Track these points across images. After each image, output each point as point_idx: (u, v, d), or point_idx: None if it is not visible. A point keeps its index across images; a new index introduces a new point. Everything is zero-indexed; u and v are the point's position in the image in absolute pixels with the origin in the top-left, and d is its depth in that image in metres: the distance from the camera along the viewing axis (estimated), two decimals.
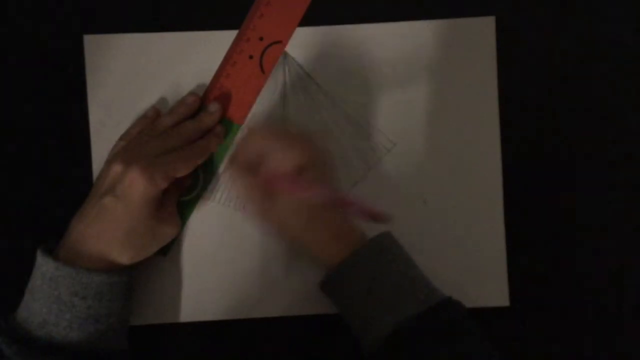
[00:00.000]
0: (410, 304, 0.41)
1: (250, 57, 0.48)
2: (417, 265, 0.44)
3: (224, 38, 0.48)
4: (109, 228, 0.41)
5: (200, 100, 0.47)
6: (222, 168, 0.48)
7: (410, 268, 0.43)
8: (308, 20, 0.48)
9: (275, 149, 0.42)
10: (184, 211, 0.47)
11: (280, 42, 0.48)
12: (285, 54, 0.48)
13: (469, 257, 0.48)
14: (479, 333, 0.41)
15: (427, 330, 0.40)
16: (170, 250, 0.47)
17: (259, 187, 0.42)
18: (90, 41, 0.48)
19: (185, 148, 0.44)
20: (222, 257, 0.48)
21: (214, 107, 0.47)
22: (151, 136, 0.45)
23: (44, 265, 0.41)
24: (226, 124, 0.48)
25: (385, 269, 0.42)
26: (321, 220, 0.43)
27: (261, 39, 0.48)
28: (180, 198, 0.47)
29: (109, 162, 0.44)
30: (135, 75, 0.48)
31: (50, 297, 0.40)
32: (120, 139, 0.47)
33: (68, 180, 0.48)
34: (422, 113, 0.48)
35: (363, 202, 0.38)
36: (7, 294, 0.42)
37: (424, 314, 0.40)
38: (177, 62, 0.48)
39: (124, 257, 0.42)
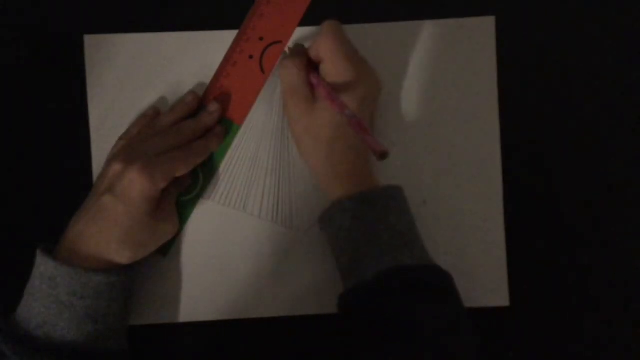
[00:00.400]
0: (408, 255, 0.41)
1: (251, 57, 0.48)
2: (419, 230, 0.44)
3: (224, 38, 0.48)
4: (107, 227, 0.41)
5: (199, 99, 0.47)
6: (222, 168, 0.48)
7: (413, 226, 0.43)
8: (308, 20, 0.48)
9: (336, 58, 0.42)
10: (183, 211, 0.47)
11: (281, 42, 0.48)
12: (286, 54, 0.48)
13: (469, 257, 0.48)
14: (464, 310, 0.41)
15: (415, 282, 0.40)
16: (169, 250, 0.47)
17: (306, 86, 0.43)
18: (90, 41, 0.48)
19: (185, 147, 0.44)
20: (221, 257, 0.48)
21: (213, 107, 0.47)
22: (151, 135, 0.45)
23: (42, 265, 0.41)
24: (226, 124, 0.48)
25: (391, 217, 0.42)
26: (341, 153, 0.43)
27: (261, 39, 0.48)
28: (180, 198, 0.47)
29: (108, 161, 0.44)
30: (135, 75, 0.48)
31: (49, 297, 0.40)
32: (121, 138, 0.47)
33: (68, 180, 0.48)
34: (422, 113, 0.48)
35: (375, 138, 0.38)
36: (7, 294, 0.42)
37: (417, 266, 0.40)
38: (177, 62, 0.48)
39: (122, 257, 0.42)
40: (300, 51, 0.45)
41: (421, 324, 0.38)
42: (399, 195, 0.44)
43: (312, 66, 0.44)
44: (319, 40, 0.42)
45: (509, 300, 0.48)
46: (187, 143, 0.45)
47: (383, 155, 0.36)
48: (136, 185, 0.41)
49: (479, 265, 0.48)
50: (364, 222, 0.42)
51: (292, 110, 0.44)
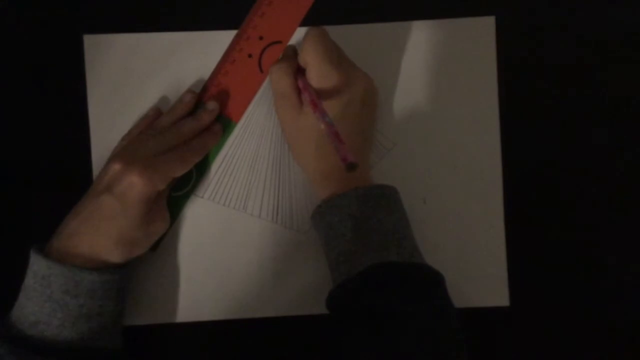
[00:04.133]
0: (395, 253, 0.41)
1: (250, 55, 0.48)
2: (412, 230, 0.44)
3: (224, 38, 0.48)
4: (103, 226, 0.41)
5: (197, 98, 0.47)
6: (217, 165, 0.48)
7: (406, 226, 0.43)
8: (308, 20, 0.48)
9: (320, 64, 0.42)
10: (175, 207, 0.47)
11: (280, 42, 0.48)
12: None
13: (469, 257, 0.48)
14: (452, 309, 0.41)
15: (402, 279, 0.40)
16: (159, 245, 0.47)
17: (294, 90, 0.44)
18: (90, 41, 0.48)
19: (183, 147, 0.44)
20: (219, 257, 0.48)
21: (212, 105, 0.47)
22: (150, 135, 0.45)
23: (35, 263, 0.41)
24: (223, 122, 0.48)
25: (375, 215, 0.42)
26: (330, 154, 0.43)
27: (261, 38, 0.48)
28: (172, 193, 0.47)
29: (108, 161, 0.44)
30: (135, 75, 0.48)
31: (43, 296, 0.40)
32: (122, 139, 0.47)
33: (68, 180, 0.48)
34: (422, 113, 0.48)
35: (346, 148, 0.38)
36: (4, 295, 0.42)
37: (405, 264, 0.40)
38: (177, 62, 0.48)
39: (115, 256, 0.42)
40: (290, 56, 0.45)
41: (403, 320, 0.38)
42: (391, 194, 0.44)
43: (301, 71, 0.44)
44: (303, 46, 0.43)
45: (509, 300, 0.48)
46: (185, 141, 0.45)
47: (350, 167, 0.37)
48: (136, 187, 0.41)
49: (479, 265, 0.48)
50: (352, 220, 0.42)
51: (281, 114, 0.45)
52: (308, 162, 0.45)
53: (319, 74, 0.42)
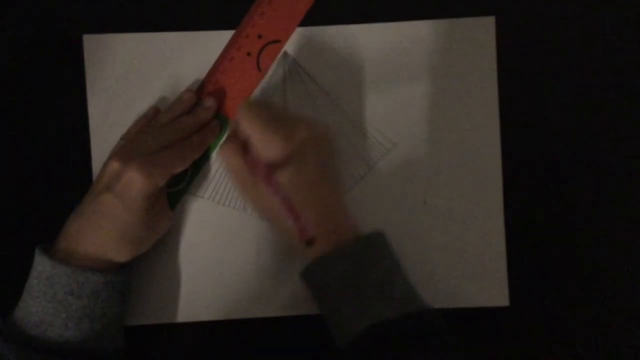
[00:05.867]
0: (387, 307, 0.39)
1: (248, 54, 0.48)
2: (404, 270, 0.42)
3: (224, 38, 0.48)
4: (105, 225, 0.41)
5: (196, 97, 0.47)
6: (215, 165, 0.48)
7: (395, 271, 0.41)
8: (308, 20, 0.48)
9: (259, 138, 0.40)
10: (170, 203, 0.47)
11: (279, 42, 0.48)
12: (286, 54, 0.48)
13: (469, 257, 0.48)
14: (458, 347, 0.39)
15: (397, 337, 0.39)
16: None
17: (245, 170, 0.41)
18: (90, 41, 0.48)
19: (181, 144, 0.44)
20: (220, 257, 0.48)
21: (209, 102, 0.47)
22: (148, 133, 0.45)
23: (40, 264, 0.41)
24: (220, 119, 0.48)
25: (368, 268, 0.41)
26: (311, 211, 0.41)
27: (260, 36, 0.48)
28: (167, 190, 0.47)
29: (106, 160, 0.44)
30: (134, 75, 0.48)
31: (46, 296, 0.40)
32: (121, 138, 0.47)
33: (68, 180, 0.48)
34: (422, 113, 0.48)
35: (303, 223, 0.37)
36: (7, 294, 0.42)
37: (399, 320, 0.39)
38: (176, 62, 0.48)
39: (120, 255, 0.42)
40: (235, 134, 0.43)
41: None
42: (377, 242, 0.42)
43: (247, 147, 0.42)
44: (239, 123, 0.41)
45: (509, 300, 0.48)
46: (183, 139, 0.45)
47: (309, 242, 0.36)
48: (135, 184, 0.41)
49: (479, 265, 0.48)
50: (340, 280, 0.40)
51: (241, 193, 0.43)
52: (285, 232, 0.42)
53: (262, 145, 0.40)
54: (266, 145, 0.40)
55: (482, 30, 0.48)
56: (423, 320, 0.40)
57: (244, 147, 0.42)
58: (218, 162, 0.48)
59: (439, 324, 0.40)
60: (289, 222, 0.37)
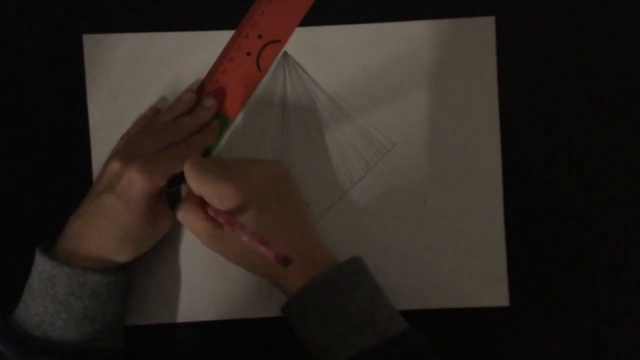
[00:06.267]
0: (370, 334, 0.39)
1: (248, 54, 0.48)
2: (383, 292, 0.42)
3: (224, 38, 0.48)
4: (106, 226, 0.41)
5: (196, 97, 0.47)
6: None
7: (375, 295, 0.41)
8: (308, 20, 0.48)
9: (211, 193, 0.40)
10: (170, 203, 0.47)
11: (279, 42, 0.48)
12: (286, 54, 0.48)
13: (469, 257, 0.48)
14: None
15: None
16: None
17: (206, 222, 0.41)
18: (90, 41, 0.48)
19: (181, 144, 0.45)
20: (219, 257, 0.48)
21: (209, 102, 0.47)
22: (148, 134, 0.45)
23: (41, 264, 0.41)
24: (220, 119, 0.48)
25: (347, 297, 0.40)
26: (282, 244, 0.40)
27: (260, 36, 0.48)
28: (166, 189, 0.47)
29: (107, 160, 0.44)
30: (134, 75, 0.48)
31: (47, 297, 0.40)
32: (121, 138, 0.47)
33: (68, 180, 0.48)
34: (422, 113, 0.48)
35: (275, 247, 0.36)
36: (7, 294, 0.42)
37: (382, 345, 0.39)
38: (176, 62, 0.48)
39: (121, 255, 0.42)
40: (190, 195, 0.42)
41: None
42: (354, 268, 0.42)
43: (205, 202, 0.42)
44: (189, 184, 0.41)
45: (509, 300, 0.48)
46: (184, 139, 0.45)
47: (285, 262, 0.35)
48: (136, 184, 0.41)
49: (479, 265, 0.48)
50: (322, 310, 0.40)
51: (215, 249, 0.42)
52: (263, 273, 0.43)
53: (216, 198, 0.40)
54: (221, 198, 0.40)
55: (482, 30, 0.48)
56: (406, 344, 0.39)
57: (202, 203, 0.41)
58: None
59: (422, 346, 0.40)
60: (260, 250, 0.37)
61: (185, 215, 0.41)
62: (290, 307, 0.42)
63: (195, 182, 0.40)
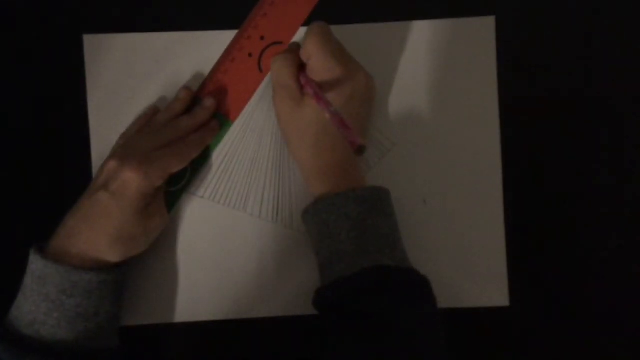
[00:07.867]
0: (384, 257, 0.41)
1: (250, 55, 0.48)
2: (401, 235, 0.44)
3: (224, 38, 0.48)
4: (100, 224, 0.41)
5: (193, 94, 0.47)
6: (215, 165, 0.48)
7: (395, 230, 0.43)
8: (308, 20, 0.48)
9: (322, 61, 0.42)
10: (169, 202, 0.47)
11: (281, 43, 0.48)
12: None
13: (469, 257, 0.48)
14: (437, 317, 0.41)
15: (392, 284, 0.40)
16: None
17: (295, 83, 0.43)
18: (90, 41, 0.48)
19: (179, 143, 0.45)
20: (217, 257, 0.48)
21: (208, 102, 0.47)
22: (147, 133, 0.45)
23: (33, 263, 0.41)
24: (220, 119, 0.48)
25: (371, 217, 0.42)
26: (327, 150, 0.43)
27: (262, 38, 0.48)
28: (166, 188, 0.46)
29: (105, 160, 0.44)
30: (134, 75, 0.48)
31: (40, 296, 0.40)
32: (120, 138, 0.47)
33: (68, 179, 0.48)
34: (422, 113, 0.48)
35: (354, 132, 0.38)
36: (4, 295, 0.42)
37: (395, 268, 0.40)
38: (176, 62, 0.48)
39: (113, 254, 0.42)
40: (293, 50, 0.45)
41: (395, 323, 0.39)
42: (386, 197, 0.44)
43: (302, 67, 0.44)
44: (306, 39, 0.43)
45: (509, 300, 0.48)
46: (182, 138, 0.45)
47: (360, 150, 0.37)
48: (132, 183, 0.41)
49: (479, 265, 0.48)
50: (349, 220, 0.41)
51: (281, 107, 0.45)
52: (305, 158, 0.45)
53: (321, 66, 0.42)
54: (328, 66, 0.42)
55: (482, 30, 0.48)
56: (417, 278, 0.41)
57: (298, 64, 0.44)
58: (218, 162, 0.48)
59: (429, 287, 0.42)
60: (339, 132, 0.38)
61: (280, 62, 0.44)
62: (313, 209, 0.43)
63: (316, 42, 0.42)
